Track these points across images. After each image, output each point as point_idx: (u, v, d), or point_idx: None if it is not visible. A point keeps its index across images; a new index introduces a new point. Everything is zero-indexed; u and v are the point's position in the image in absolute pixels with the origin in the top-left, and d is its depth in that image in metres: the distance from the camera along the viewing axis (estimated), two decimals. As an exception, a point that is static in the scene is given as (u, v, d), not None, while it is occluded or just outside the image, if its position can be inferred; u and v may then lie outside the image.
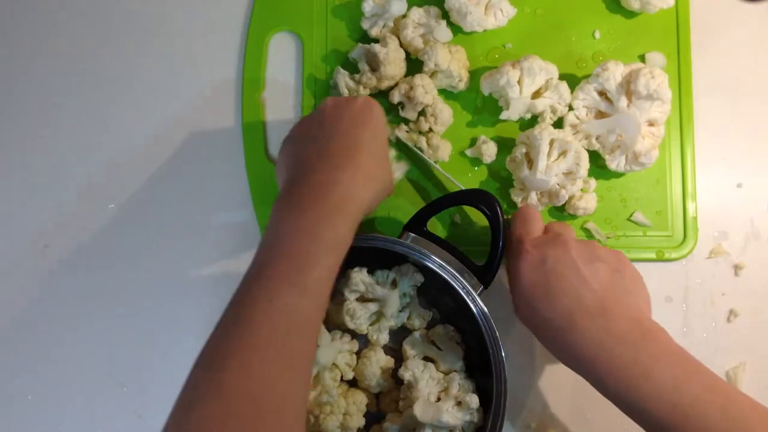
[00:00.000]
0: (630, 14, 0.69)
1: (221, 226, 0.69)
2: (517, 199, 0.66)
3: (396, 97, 0.66)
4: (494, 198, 0.59)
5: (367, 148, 0.54)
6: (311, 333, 0.48)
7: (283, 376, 0.44)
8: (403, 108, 0.67)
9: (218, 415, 0.42)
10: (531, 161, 0.64)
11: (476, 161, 0.68)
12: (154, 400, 0.68)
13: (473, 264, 0.60)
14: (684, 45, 0.69)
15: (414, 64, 0.67)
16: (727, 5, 0.71)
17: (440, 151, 0.66)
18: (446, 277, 0.58)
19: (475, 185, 0.67)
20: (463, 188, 0.64)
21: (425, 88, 0.64)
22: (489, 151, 0.66)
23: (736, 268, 0.68)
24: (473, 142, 0.68)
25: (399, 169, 0.66)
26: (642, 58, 0.69)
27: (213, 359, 0.45)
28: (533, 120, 0.67)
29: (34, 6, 0.71)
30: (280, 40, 0.70)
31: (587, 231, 0.67)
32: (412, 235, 0.60)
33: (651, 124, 0.65)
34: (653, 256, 0.67)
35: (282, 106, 0.69)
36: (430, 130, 0.67)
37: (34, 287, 0.69)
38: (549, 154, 0.63)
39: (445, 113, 0.66)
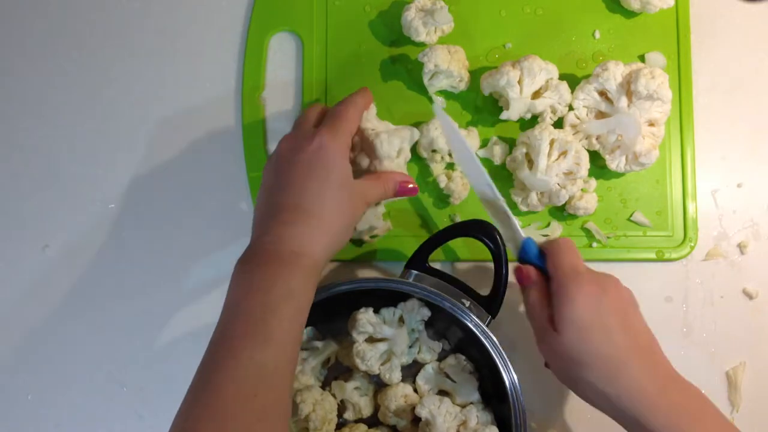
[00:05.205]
0: (630, 14, 0.69)
1: (221, 227, 0.68)
2: (518, 199, 0.66)
3: (423, 152, 0.66)
4: (495, 228, 0.59)
5: (318, 200, 0.53)
6: (281, 384, 0.48)
7: (256, 431, 0.45)
8: (436, 151, 0.66)
9: None
10: (531, 161, 0.64)
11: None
12: (154, 400, 0.68)
13: (478, 295, 0.59)
14: (684, 45, 0.69)
15: (416, 64, 0.68)
16: (727, 5, 0.70)
17: (460, 190, 0.66)
18: (453, 312, 0.58)
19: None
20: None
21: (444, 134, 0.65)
22: (500, 152, 0.66)
23: (737, 268, 0.68)
24: (473, 142, 0.68)
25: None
26: (642, 58, 0.69)
27: (186, 424, 0.46)
28: (533, 120, 0.67)
29: (34, 6, 0.71)
30: (280, 40, 0.70)
31: (587, 231, 0.67)
32: (415, 272, 0.60)
33: (651, 124, 0.65)
34: (653, 256, 0.67)
35: (282, 106, 0.69)
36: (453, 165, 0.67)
37: (34, 287, 0.69)
38: (549, 155, 0.63)
39: (474, 142, 0.66)
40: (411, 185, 0.60)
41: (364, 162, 0.61)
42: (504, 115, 0.66)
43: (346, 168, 0.56)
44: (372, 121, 0.62)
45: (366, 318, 0.61)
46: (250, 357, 0.47)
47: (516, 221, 0.61)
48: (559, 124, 0.66)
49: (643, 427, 0.51)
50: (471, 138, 0.66)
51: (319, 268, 0.53)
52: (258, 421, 0.45)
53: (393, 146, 0.60)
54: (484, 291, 0.59)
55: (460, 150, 0.63)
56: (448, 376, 0.64)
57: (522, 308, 0.59)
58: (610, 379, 0.52)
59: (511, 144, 0.67)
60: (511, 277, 0.59)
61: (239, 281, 0.51)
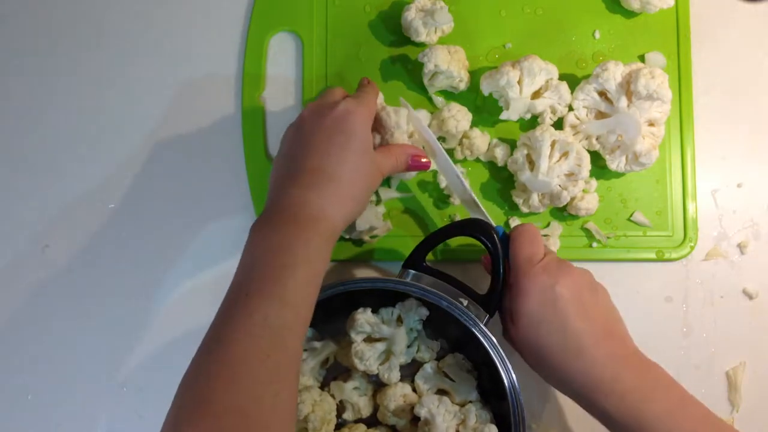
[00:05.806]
0: (630, 14, 0.69)
1: (221, 227, 0.69)
2: (519, 201, 0.66)
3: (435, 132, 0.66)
4: (492, 227, 0.59)
5: (338, 164, 0.54)
6: (294, 344, 0.48)
7: (269, 389, 0.45)
8: (444, 140, 0.66)
9: None
10: (532, 163, 0.64)
11: (472, 161, 0.68)
12: (154, 400, 0.68)
13: (476, 294, 0.59)
14: (684, 45, 0.69)
15: (416, 66, 0.68)
16: (727, 5, 0.70)
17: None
18: (451, 311, 0.58)
19: (476, 187, 0.67)
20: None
21: (456, 118, 0.64)
22: (501, 153, 0.66)
23: (737, 268, 0.68)
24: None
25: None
26: (642, 58, 0.69)
27: (198, 378, 0.45)
28: (533, 120, 0.67)
29: (35, 5, 0.71)
30: (280, 40, 0.70)
31: (587, 231, 0.67)
32: (412, 272, 0.60)
33: (651, 124, 0.64)
34: (653, 256, 0.67)
35: (282, 106, 0.69)
36: (465, 159, 0.67)
37: (34, 287, 0.69)
38: (550, 156, 0.63)
39: (482, 146, 0.66)
40: (424, 159, 0.60)
41: (376, 139, 0.61)
42: (504, 115, 0.66)
43: (368, 137, 0.56)
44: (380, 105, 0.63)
45: (364, 318, 0.61)
46: (265, 316, 0.46)
47: (485, 211, 0.62)
48: (559, 124, 0.66)
49: (600, 410, 0.52)
50: (482, 141, 0.66)
51: (337, 233, 0.53)
52: (273, 381, 0.45)
53: (400, 116, 0.61)
54: (482, 290, 0.59)
55: (430, 143, 0.63)
56: (446, 375, 0.64)
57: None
58: (566, 366, 0.53)
59: (511, 145, 0.67)
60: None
61: (256, 243, 0.51)
